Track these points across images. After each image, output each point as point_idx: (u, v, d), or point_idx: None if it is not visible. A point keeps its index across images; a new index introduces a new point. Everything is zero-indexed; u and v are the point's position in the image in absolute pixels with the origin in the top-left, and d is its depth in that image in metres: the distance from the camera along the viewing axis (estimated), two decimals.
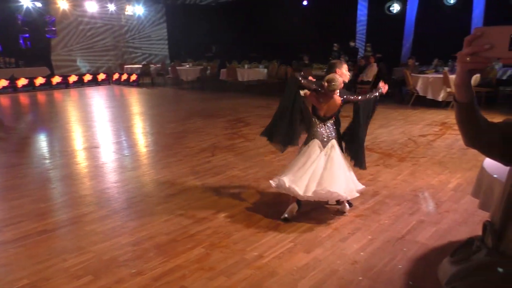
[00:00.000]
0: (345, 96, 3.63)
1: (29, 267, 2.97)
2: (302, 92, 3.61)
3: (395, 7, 14.70)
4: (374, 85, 11.51)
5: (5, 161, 5.92)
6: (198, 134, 7.37)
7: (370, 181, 4.70)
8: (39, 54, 16.80)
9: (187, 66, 15.82)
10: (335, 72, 3.64)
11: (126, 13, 18.77)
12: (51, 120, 9.44)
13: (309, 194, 3.47)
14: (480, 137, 1.22)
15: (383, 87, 3.72)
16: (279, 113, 3.69)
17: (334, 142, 3.66)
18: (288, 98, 3.62)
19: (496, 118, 1.36)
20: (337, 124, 3.77)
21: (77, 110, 11.11)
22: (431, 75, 9.82)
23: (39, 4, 16.09)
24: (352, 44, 14.51)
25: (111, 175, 5.25)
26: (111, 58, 19.32)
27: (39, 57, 16.62)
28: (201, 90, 14.44)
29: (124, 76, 16.80)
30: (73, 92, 14.79)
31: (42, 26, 17.13)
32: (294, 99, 3.60)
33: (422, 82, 9.75)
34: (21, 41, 16.92)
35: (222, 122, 8.44)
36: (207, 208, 4.01)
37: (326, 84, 3.50)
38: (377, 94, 3.69)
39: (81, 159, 6.09)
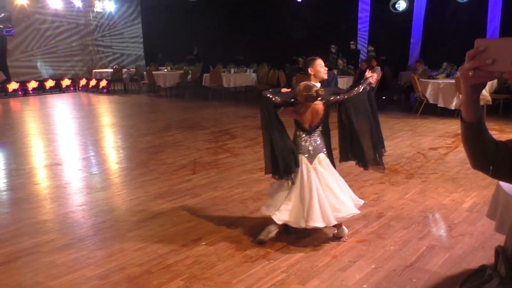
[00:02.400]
0: (329, 99, 3.60)
1: None
2: (279, 111, 3.59)
3: (401, 5, 14.99)
4: (379, 91, 11.68)
5: None
6: (177, 149, 7.37)
7: (373, 201, 4.73)
8: None
9: (165, 70, 15.87)
10: (308, 72, 3.71)
11: (95, 9, 18.82)
12: (5, 134, 9.34)
13: (312, 223, 3.53)
14: (488, 159, 1.25)
15: (371, 77, 3.67)
16: (269, 146, 3.62)
17: (322, 156, 3.66)
18: (268, 126, 3.58)
19: None
20: (325, 132, 3.77)
21: (37, 121, 11.04)
22: (442, 81, 9.98)
23: None
24: (352, 45, 14.71)
25: (76, 196, 5.20)
26: (78, 62, 19.31)
27: None
28: (181, 98, 14.48)
29: (93, 82, 16.77)
30: (33, 101, 14.71)
31: None
32: (275, 123, 3.57)
33: (432, 88, 9.89)
34: None
35: (204, 134, 8.45)
36: (187, 234, 3.99)
37: (303, 95, 3.45)
38: (365, 86, 3.63)
39: (40, 178, 6.04)
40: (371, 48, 14.35)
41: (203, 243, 3.78)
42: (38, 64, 18.25)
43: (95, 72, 17.59)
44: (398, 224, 4.13)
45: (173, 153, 7.09)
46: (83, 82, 17.19)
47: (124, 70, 17.00)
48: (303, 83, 3.52)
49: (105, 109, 13.09)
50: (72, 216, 4.54)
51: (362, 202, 3.87)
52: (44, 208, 4.81)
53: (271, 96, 3.54)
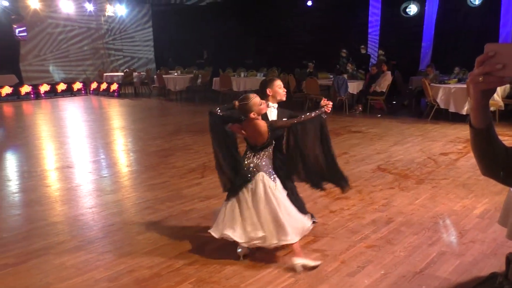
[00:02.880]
0: (276, 123, 3.51)
1: None
2: (227, 127, 3.49)
3: (412, 9, 14.93)
4: (389, 96, 11.63)
5: None
6: (186, 152, 7.40)
7: (383, 206, 4.70)
8: (5, 61, 16.91)
9: (175, 74, 15.96)
10: (267, 93, 3.63)
11: (106, 13, 19.01)
12: (17, 136, 9.46)
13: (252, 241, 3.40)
14: (497, 166, 1.24)
15: (327, 105, 3.55)
16: (220, 161, 3.54)
17: (263, 174, 3.46)
18: (218, 142, 3.51)
19: None
20: (276, 153, 3.63)
21: (48, 124, 11.16)
22: (454, 85, 9.92)
23: (5, 3, 16.27)
24: (362, 49, 14.68)
25: (86, 199, 5.24)
26: (89, 65, 19.52)
27: (5, 64, 16.73)
28: (190, 102, 14.54)
29: (104, 86, 16.92)
30: (45, 104, 14.87)
31: (9, 28, 17.32)
32: (223, 139, 3.50)
33: (443, 93, 9.83)
34: None
35: None
36: (195, 238, 4.00)
37: (236, 104, 3.37)
38: (317, 113, 3.50)
39: (52, 181, 6.09)
40: (381, 52, 14.31)
41: (212, 246, 3.79)
42: (50, 68, 18.48)
43: (106, 75, 17.75)
44: (408, 229, 4.11)
45: (183, 156, 7.12)
46: (94, 85, 17.35)
47: (135, 73, 17.12)
48: (247, 94, 3.42)
49: (116, 113, 13.19)
50: (82, 218, 4.57)
51: (311, 223, 3.67)
52: (55, 210, 4.86)
53: (219, 111, 3.44)
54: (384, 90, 11.15)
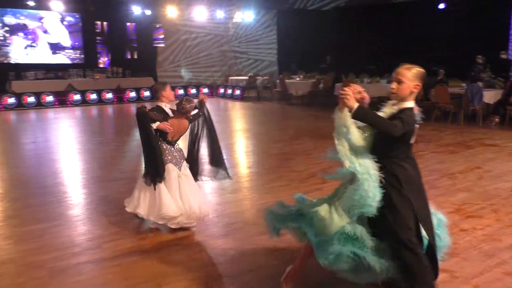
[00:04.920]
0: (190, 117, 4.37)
1: None
2: (154, 125, 4.08)
3: None
4: None
5: (104, 175, 6.58)
6: (307, 157, 7.41)
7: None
8: (145, 64, 18.66)
9: (297, 79, 16.12)
10: (162, 95, 4.30)
11: (234, 20, 19.94)
12: None
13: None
14: None
15: (204, 98, 4.57)
16: (151, 154, 4.16)
17: (185, 163, 4.37)
18: (149, 137, 4.12)
19: None
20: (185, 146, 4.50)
21: None
22: None
23: (148, 12, 17.90)
24: (503, 55, 13.40)
25: (210, 196, 5.51)
26: (217, 70, 20.67)
27: (144, 67, 18.44)
28: (311, 107, 14.55)
29: (229, 89, 17.75)
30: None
31: (149, 35, 19.07)
32: (153, 135, 4.13)
33: None
34: (127, 51, 18.96)
35: (335, 144, 8.36)
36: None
37: (187, 106, 4.27)
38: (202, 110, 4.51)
39: None
40: None
41: None
42: (182, 72, 19.94)
43: (231, 79, 18.59)
44: None
45: (303, 161, 7.14)
46: (220, 88, 18.29)
47: (258, 78, 17.67)
48: (186, 98, 4.34)
49: (239, 115, 13.72)
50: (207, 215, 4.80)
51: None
52: None
53: (146, 110, 4.05)
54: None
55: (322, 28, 18.35)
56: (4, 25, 16.33)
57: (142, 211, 4.16)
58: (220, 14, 19.20)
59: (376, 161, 2.76)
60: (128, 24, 18.59)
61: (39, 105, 14.75)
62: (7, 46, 16.42)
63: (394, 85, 2.79)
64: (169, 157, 4.23)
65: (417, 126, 2.78)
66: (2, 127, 11.71)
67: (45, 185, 5.96)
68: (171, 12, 17.89)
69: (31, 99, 14.60)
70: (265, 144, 8.85)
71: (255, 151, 8.30)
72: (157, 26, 19.15)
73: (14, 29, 16.51)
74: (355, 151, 2.79)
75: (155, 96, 4.43)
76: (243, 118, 13.09)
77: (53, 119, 12.85)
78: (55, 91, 15.30)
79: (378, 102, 3.24)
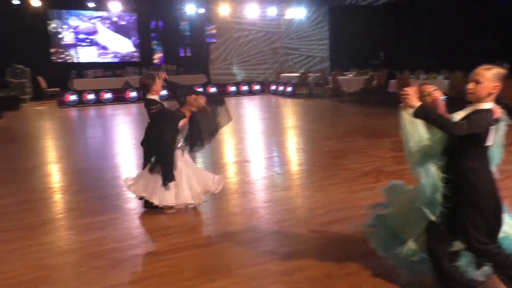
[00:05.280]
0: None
1: (179, 282, 3.31)
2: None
3: None
4: None
5: None
6: (359, 155, 7.29)
7: None
8: (198, 62, 19.03)
9: (350, 75, 15.86)
10: (153, 88, 4.57)
11: (285, 17, 19.91)
12: None
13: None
14: None
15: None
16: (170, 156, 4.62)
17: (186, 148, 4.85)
18: (172, 139, 4.64)
19: None
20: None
21: (232, 121, 12.10)
22: None
23: (201, 10, 18.23)
24: None
25: (261, 193, 5.55)
26: (268, 67, 20.73)
27: (197, 65, 18.81)
28: (364, 104, 14.27)
29: (280, 86, 17.75)
30: (228, 101, 16.10)
31: (202, 33, 19.43)
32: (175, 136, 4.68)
33: None
34: (180, 49, 19.43)
35: (388, 142, 8.18)
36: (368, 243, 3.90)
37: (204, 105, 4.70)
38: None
39: (232, 173, 6.60)
40: None
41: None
42: (234, 69, 20.16)
43: (283, 76, 18.56)
44: None
45: (356, 159, 7.03)
46: (271, 85, 18.32)
47: (310, 75, 17.54)
48: (201, 97, 4.63)
49: (290, 112, 13.70)
50: (259, 211, 4.85)
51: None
52: (234, 201, 5.25)
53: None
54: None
55: (375, 23, 17.93)
56: (69, 27, 17.16)
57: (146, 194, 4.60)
58: (271, 11, 19.23)
59: (446, 163, 2.79)
60: (182, 22, 19.01)
61: (98, 102, 15.38)
62: (71, 46, 17.26)
63: (471, 86, 2.71)
64: (177, 145, 4.69)
65: (496, 127, 2.74)
66: (64, 123, 12.32)
67: (104, 179, 6.21)
68: (224, 10, 18.12)
69: (91, 96, 15.25)
70: (316, 141, 8.78)
71: (306, 149, 8.26)
72: (210, 24, 19.48)
73: (76, 30, 17.32)
74: (422, 152, 2.82)
75: (146, 90, 4.54)
76: (294, 115, 13.05)
77: (111, 116, 13.37)
78: (112, 88, 15.90)
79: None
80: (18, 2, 15.39)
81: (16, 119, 10.86)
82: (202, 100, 4.58)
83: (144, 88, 4.60)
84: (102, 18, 17.78)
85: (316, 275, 3.36)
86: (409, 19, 17.10)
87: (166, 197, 4.56)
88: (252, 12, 18.83)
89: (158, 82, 4.61)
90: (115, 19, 18.02)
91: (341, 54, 19.51)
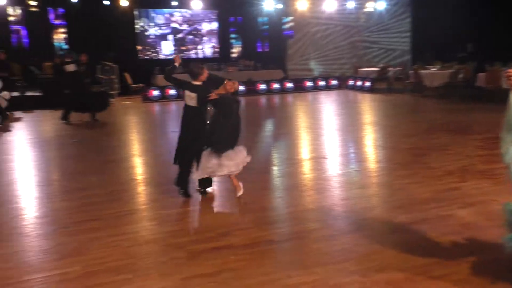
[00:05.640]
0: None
1: (256, 276, 3.33)
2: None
3: None
4: None
5: None
6: (442, 153, 6.91)
7: None
8: (275, 57, 19.08)
9: (433, 69, 15.09)
10: (199, 78, 5.11)
11: (365, 9, 19.37)
12: (282, 125, 10.50)
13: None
14: None
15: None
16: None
17: None
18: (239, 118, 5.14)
19: None
20: None
21: (307, 116, 12.04)
22: None
23: (279, 6, 18.25)
24: None
25: (338, 190, 5.44)
26: (345, 62, 20.31)
27: (275, 60, 18.86)
28: (448, 99, 13.52)
29: (358, 80, 17.32)
30: (305, 96, 16.08)
31: (280, 28, 19.45)
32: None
33: None
34: (258, 44, 19.61)
35: (475, 140, 7.69)
36: (454, 246, 3.69)
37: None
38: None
39: (307, 169, 6.54)
40: None
41: (473, 259, 3.42)
42: (312, 64, 20.00)
43: (361, 70, 18.08)
44: None
45: (439, 157, 6.67)
46: (349, 80, 17.92)
47: (390, 69, 16.93)
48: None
49: (368, 108, 13.32)
50: (336, 209, 4.75)
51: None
52: (310, 198, 5.19)
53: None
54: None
55: (462, 14, 16.88)
56: (155, 24, 17.97)
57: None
58: (350, 4, 18.80)
59: None
60: (260, 18, 19.14)
61: (179, 97, 15.91)
62: (155, 43, 18.07)
63: None
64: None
65: None
66: (148, 117, 12.91)
67: None
68: (301, 5, 17.99)
69: (172, 91, 15.81)
70: (395, 138, 8.46)
71: (385, 145, 7.98)
72: (288, 19, 19.45)
73: (160, 28, 18.10)
74: None
75: (194, 77, 5.09)
76: (373, 111, 12.67)
77: None
78: None
79: None
80: (108, 3, 16.33)
81: (105, 114, 11.56)
82: (237, 86, 5.12)
83: (192, 75, 5.11)
84: (184, 15, 18.40)
85: (397, 278, 3.23)
86: (499, 7, 15.88)
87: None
88: (330, 6, 18.53)
89: (206, 72, 5.12)
90: (196, 16, 18.57)
91: (424, 47, 18.61)
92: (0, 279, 3.40)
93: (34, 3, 15.01)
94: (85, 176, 6.23)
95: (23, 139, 9.43)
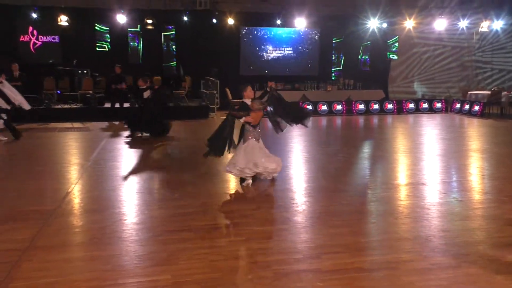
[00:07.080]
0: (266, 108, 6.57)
1: None
2: (242, 120, 6.40)
3: None
4: None
5: (328, 186, 6.72)
6: None
7: None
8: (376, 77, 18.58)
9: None
10: (245, 95, 6.55)
11: (480, 29, 18.18)
12: (379, 148, 10.11)
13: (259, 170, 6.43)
14: None
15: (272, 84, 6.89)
16: (228, 134, 6.45)
17: (261, 140, 6.58)
18: (231, 126, 6.46)
19: None
20: (261, 127, 6.66)
21: (407, 139, 11.48)
22: None
23: (384, 25, 17.78)
24: None
25: (436, 220, 5.07)
26: (453, 85, 19.21)
27: (376, 80, 18.37)
28: None
29: (466, 104, 16.20)
30: (406, 119, 15.40)
31: (384, 48, 18.93)
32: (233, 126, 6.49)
33: None
34: (360, 64, 19.25)
35: None
36: None
37: (260, 107, 6.36)
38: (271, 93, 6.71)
39: (404, 195, 6.19)
40: None
41: None
42: (415, 85, 19.17)
43: (470, 93, 16.93)
44: None
45: None
46: (455, 103, 16.84)
47: (504, 93, 15.63)
48: (257, 102, 6.41)
49: (476, 133, 12.38)
50: (434, 240, 4.42)
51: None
52: (405, 226, 4.89)
53: (235, 114, 6.41)
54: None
55: None
56: (259, 42, 18.50)
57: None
58: (463, 24, 17.77)
59: None
60: (363, 37, 18.77)
61: None
62: (258, 61, 18.56)
63: None
64: (252, 135, 6.41)
65: None
66: None
67: (276, 190, 6.41)
68: (408, 24, 17.41)
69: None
70: (508, 167, 7.73)
71: (495, 175, 7.30)
72: (392, 40, 18.91)
73: (264, 45, 18.58)
74: None
75: (240, 95, 6.62)
76: (482, 137, 11.72)
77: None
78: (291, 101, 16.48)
79: None
80: (215, 21, 17.11)
81: (202, 127, 12.02)
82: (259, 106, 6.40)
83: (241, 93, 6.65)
84: (287, 33, 18.67)
85: None
86: None
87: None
88: (439, 26, 17.68)
89: (249, 90, 6.53)
90: (300, 34, 18.75)
91: None
92: (99, 280, 3.60)
93: (150, 21, 16.15)
94: (182, 187, 6.49)
95: (129, 150, 10.05)
